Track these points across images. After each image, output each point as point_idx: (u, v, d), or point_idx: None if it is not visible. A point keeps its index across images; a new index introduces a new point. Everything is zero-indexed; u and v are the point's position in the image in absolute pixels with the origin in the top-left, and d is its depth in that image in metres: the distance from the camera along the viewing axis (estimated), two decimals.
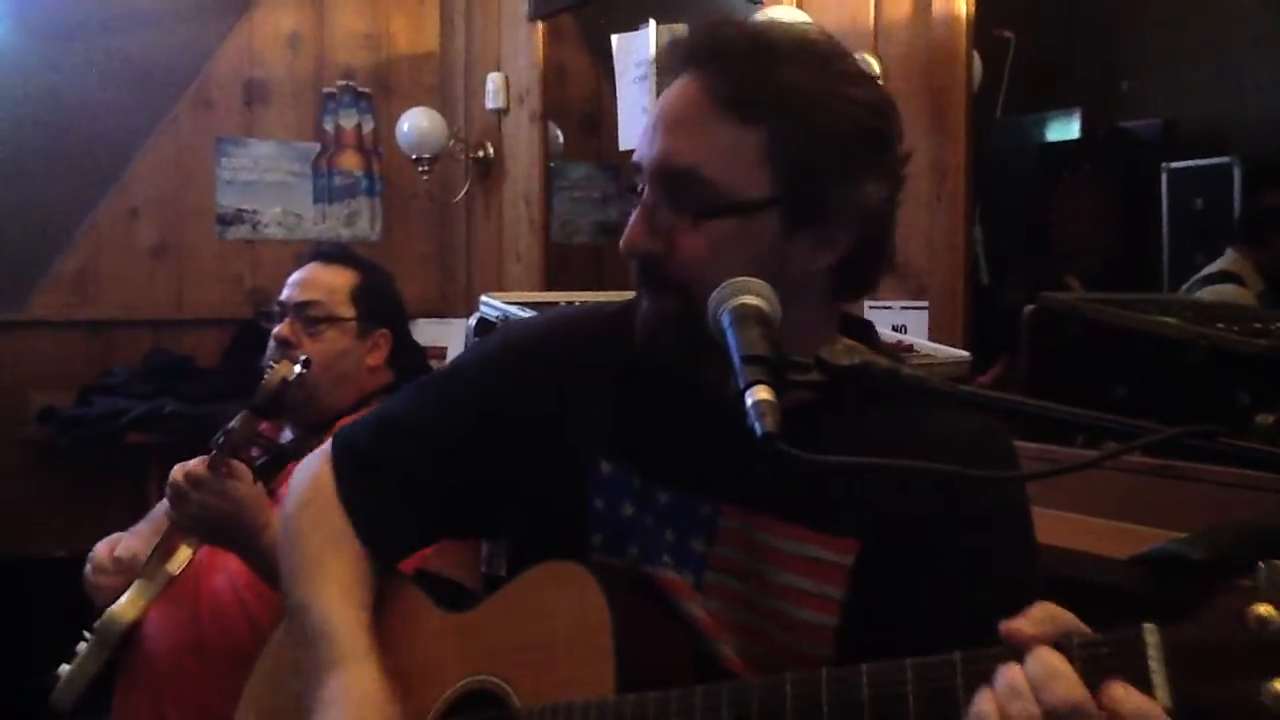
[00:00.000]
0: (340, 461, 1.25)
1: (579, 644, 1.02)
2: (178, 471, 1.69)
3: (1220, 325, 2.26)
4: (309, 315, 1.98)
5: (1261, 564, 0.74)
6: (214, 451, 1.67)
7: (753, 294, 0.93)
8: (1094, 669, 0.76)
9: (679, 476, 1.10)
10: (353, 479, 1.23)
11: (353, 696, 1.08)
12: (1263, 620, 0.72)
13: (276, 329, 1.99)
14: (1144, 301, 2.49)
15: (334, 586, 1.16)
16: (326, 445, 1.28)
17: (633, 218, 1.05)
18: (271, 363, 1.77)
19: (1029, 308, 2.35)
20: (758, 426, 0.84)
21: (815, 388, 0.89)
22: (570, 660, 1.03)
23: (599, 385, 1.15)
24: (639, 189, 1.06)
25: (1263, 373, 2.11)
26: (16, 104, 3.60)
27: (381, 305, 2.07)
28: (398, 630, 1.17)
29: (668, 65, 1.08)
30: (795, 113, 1.02)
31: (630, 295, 1.12)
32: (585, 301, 1.24)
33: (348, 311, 2.01)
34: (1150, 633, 0.75)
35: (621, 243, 1.06)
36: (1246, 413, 2.02)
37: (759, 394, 0.85)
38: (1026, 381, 2.37)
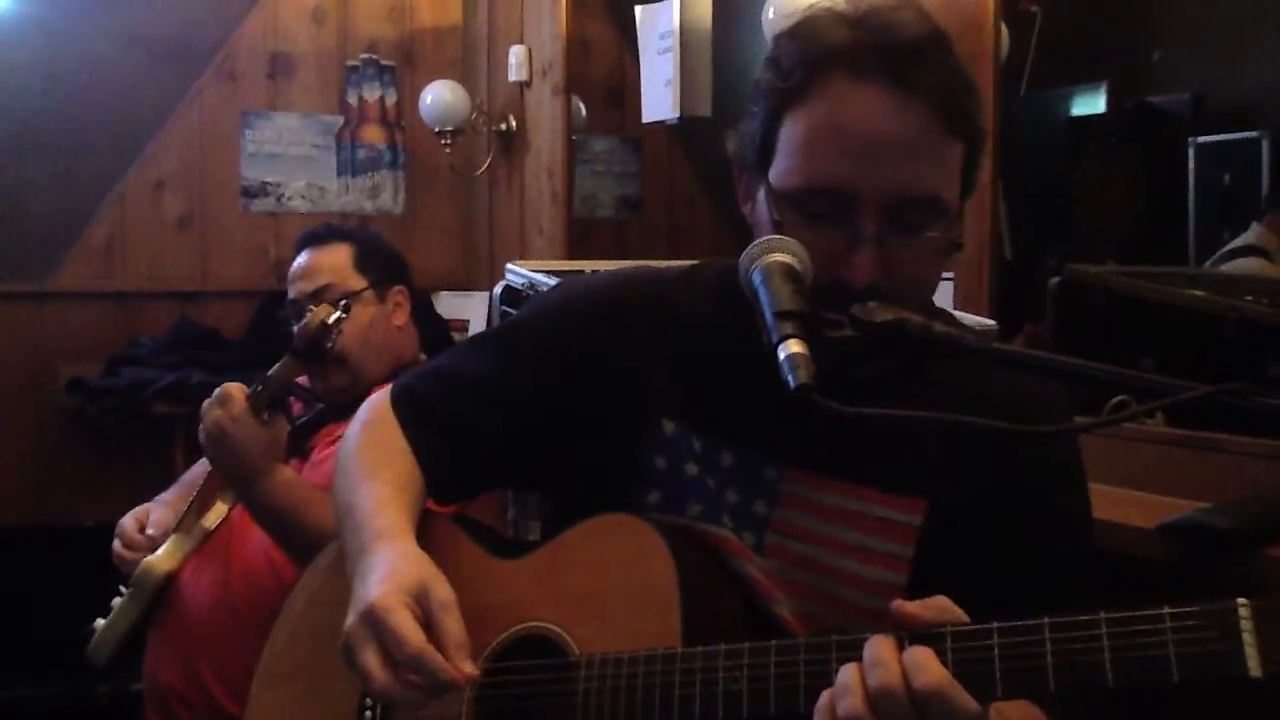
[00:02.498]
0: (400, 405, 1.24)
1: (642, 596, 1.03)
2: (225, 387, 1.71)
3: (1249, 297, 2.25)
4: (326, 301, 1.98)
5: None
6: (251, 396, 1.68)
7: (784, 252, 0.94)
8: (1187, 639, 0.79)
9: (743, 439, 1.11)
10: (413, 422, 1.22)
11: (393, 556, 1.06)
12: None
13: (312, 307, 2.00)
14: (1171, 274, 2.48)
15: (384, 486, 1.16)
16: (384, 396, 1.27)
17: (864, 255, 0.99)
18: (310, 307, 1.79)
19: (1055, 279, 2.34)
20: (791, 379, 0.85)
21: (855, 345, 0.89)
22: (633, 611, 1.03)
23: (663, 345, 1.15)
24: (834, 215, 1.01)
25: None
26: (45, 78, 3.63)
27: (387, 264, 2.09)
28: (446, 574, 1.15)
29: (828, 61, 1.02)
30: (983, 121, 1.06)
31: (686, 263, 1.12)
32: (641, 264, 1.24)
33: (359, 282, 2.03)
34: (1244, 605, 0.78)
35: (859, 281, 0.99)
36: (1276, 384, 2.01)
37: (791, 347, 0.86)
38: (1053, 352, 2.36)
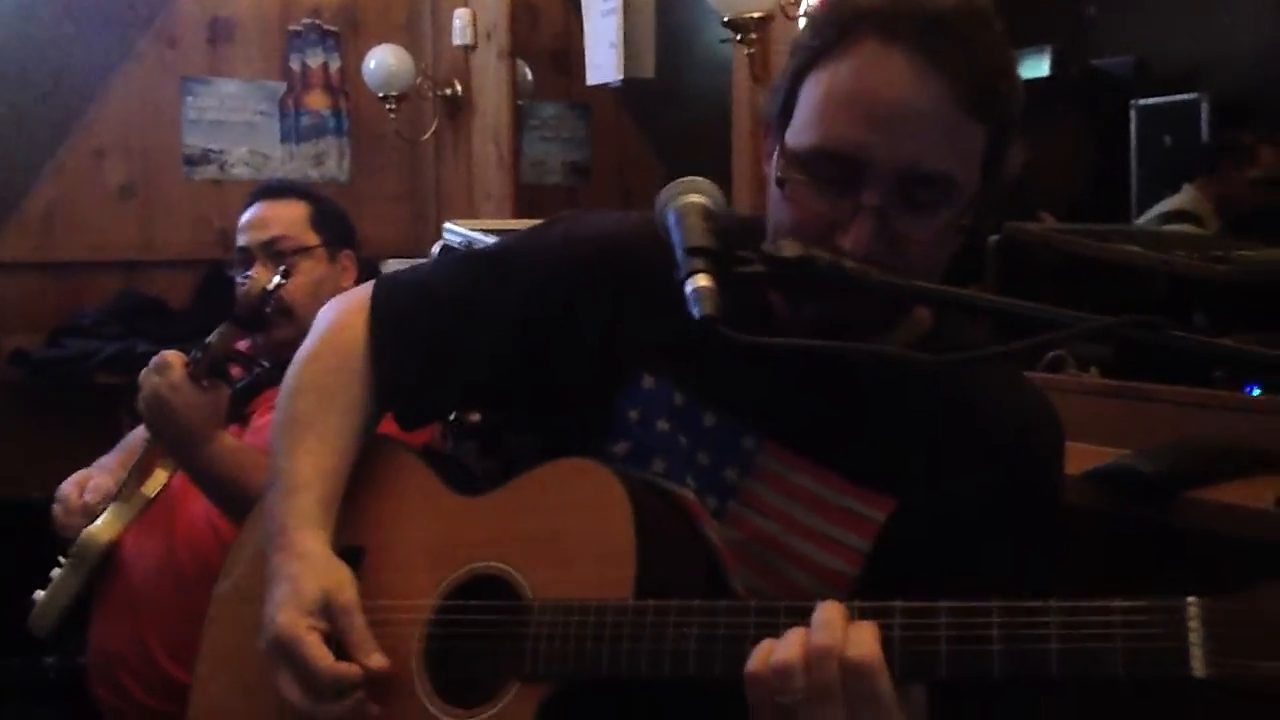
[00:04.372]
0: (378, 318, 1.21)
1: (599, 543, 1.02)
2: (163, 354, 1.70)
3: (1181, 252, 2.29)
4: (278, 250, 1.99)
5: None
6: (190, 363, 1.68)
7: (698, 192, 0.94)
8: (1134, 634, 0.78)
9: (728, 404, 1.10)
10: (388, 338, 1.20)
11: (295, 565, 1.09)
12: None
13: (249, 273, 1.99)
14: (1109, 232, 2.52)
15: (310, 454, 1.15)
16: (360, 294, 1.25)
17: (863, 225, 0.97)
18: (249, 274, 1.78)
19: (995, 238, 2.37)
20: (695, 310, 0.86)
21: (768, 280, 0.90)
22: (590, 559, 1.02)
23: (657, 297, 1.09)
24: (838, 179, 0.98)
25: (1222, 298, 2.15)
26: None
27: (340, 227, 2.09)
28: (405, 507, 1.17)
29: (861, 20, 0.98)
30: (1014, 109, 1.02)
31: None
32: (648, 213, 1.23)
33: (313, 239, 2.03)
34: (1193, 604, 0.77)
35: (852, 249, 0.96)
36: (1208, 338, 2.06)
37: (698, 281, 0.87)
38: None
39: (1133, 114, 2.68)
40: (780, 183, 1.01)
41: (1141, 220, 2.58)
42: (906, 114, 0.96)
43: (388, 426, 1.26)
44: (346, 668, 1.04)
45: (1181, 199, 2.57)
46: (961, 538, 1.06)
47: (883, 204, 0.97)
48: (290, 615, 1.05)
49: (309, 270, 1.99)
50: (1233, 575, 1.55)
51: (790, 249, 0.89)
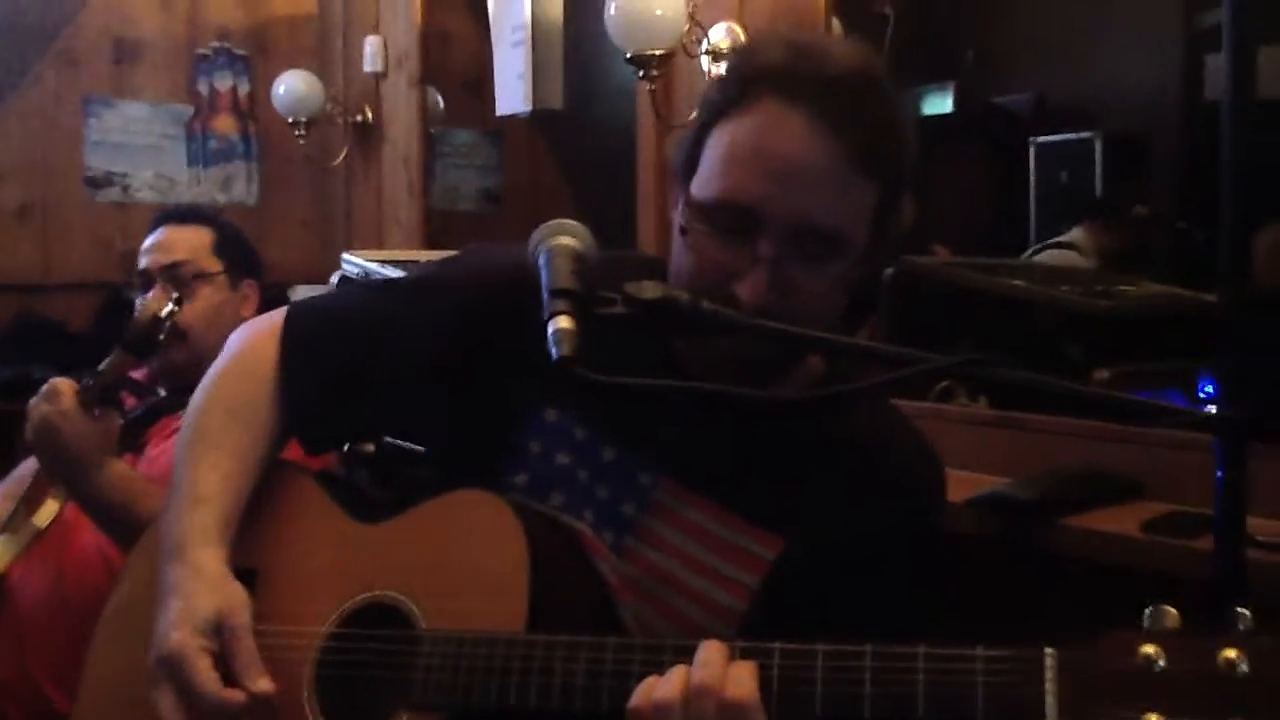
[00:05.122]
0: (290, 342, 1.21)
1: (494, 576, 1.03)
2: (53, 381, 1.68)
3: (1065, 287, 2.39)
4: (179, 275, 1.98)
5: (1149, 610, 0.81)
6: (81, 390, 1.66)
7: (567, 234, 0.97)
8: (995, 682, 0.82)
9: (627, 440, 1.12)
10: (298, 363, 1.20)
11: (190, 581, 1.08)
12: (1150, 658, 0.78)
13: (147, 296, 1.98)
14: (999, 266, 2.61)
15: (214, 468, 1.15)
16: (273, 318, 1.25)
17: (758, 275, 1.01)
18: (141, 298, 1.77)
19: (889, 270, 2.44)
20: (554, 351, 0.89)
21: (625, 321, 0.93)
22: (483, 591, 1.04)
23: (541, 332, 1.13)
24: (737, 230, 1.02)
25: (1103, 331, 2.24)
26: None
27: (243, 256, 2.09)
28: (301, 531, 1.17)
29: (761, 79, 1.03)
30: (905, 167, 1.06)
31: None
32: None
33: (215, 265, 2.03)
34: (1050, 655, 0.81)
35: (747, 299, 1.01)
36: (1086, 369, 2.15)
37: (560, 323, 0.90)
38: (886, 341, 2.46)
39: (1032, 151, 2.77)
40: (684, 230, 1.05)
41: (1027, 254, 2.67)
42: (801, 170, 1.01)
43: (291, 452, 1.26)
44: (230, 693, 1.04)
45: (1072, 234, 2.67)
46: (846, 576, 1.11)
47: (776, 255, 1.02)
48: (183, 633, 1.05)
49: (208, 296, 1.99)
50: (1103, 598, 1.63)
51: (650, 290, 0.93)
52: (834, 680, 0.87)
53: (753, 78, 1.04)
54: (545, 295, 0.92)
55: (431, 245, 3.66)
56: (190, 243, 2.03)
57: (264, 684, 1.05)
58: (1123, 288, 2.36)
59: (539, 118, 3.25)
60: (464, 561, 1.06)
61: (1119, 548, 1.52)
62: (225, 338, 1.93)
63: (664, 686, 0.89)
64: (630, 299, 0.91)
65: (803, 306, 1.03)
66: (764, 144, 1.02)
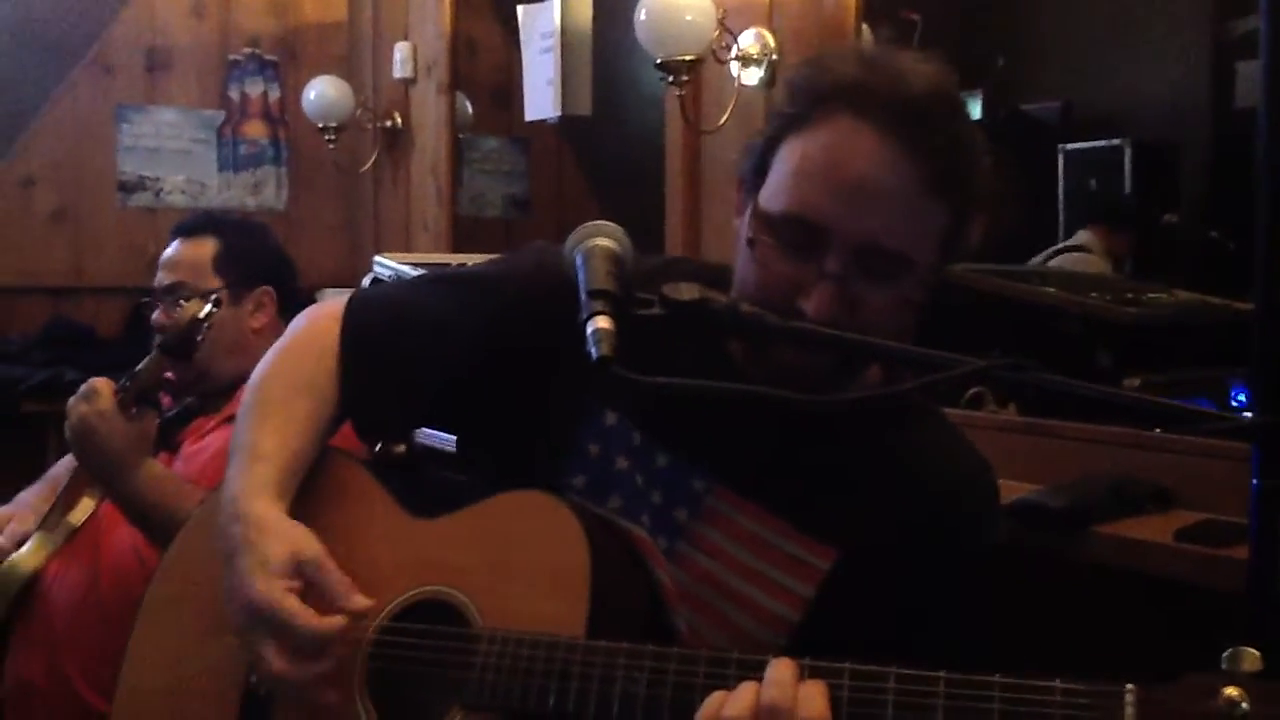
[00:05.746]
0: (351, 328, 1.22)
1: (554, 578, 1.03)
2: (91, 382, 1.69)
3: (1094, 294, 2.38)
4: (177, 298, 1.98)
5: (1229, 651, 0.80)
6: (119, 390, 1.68)
7: (605, 236, 0.97)
8: (1072, 716, 0.81)
9: (682, 446, 1.12)
10: (357, 347, 1.20)
11: (253, 534, 1.07)
12: (1233, 701, 0.78)
13: (153, 317, 2.00)
14: (1028, 273, 2.60)
15: (275, 433, 1.15)
16: (335, 304, 1.25)
17: (823, 291, 1.01)
18: (181, 301, 1.78)
19: None
20: (593, 351, 0.88)
21: (662, 323, 0.94)
22: (542, 592, 1.03)
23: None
24: (803, 245, 1.02)
25: (1132, 339, 2.23)
26: None
27: (251, 265, 2.06)
28: (354, 521, 1.16)
29: (835, 95, 1.02)
30: (976, 188, 1.06)
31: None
32: None
33: (213, 283, 2.00)
34: (1131, 692, 0.80)
35: (812, 314, 1.01)
36: (1115, 376, 2.14)
37: (599, 323, 0.90)
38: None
39: (1060, 158, 2.76)
40: (750, 242, 1.05)
41: (1039, 259, 2.67)
42: (872, 190, 1.01)
43: (344, 441, 1.26)
44: (330, 621, 1.04)
45: (1079, 237, 2.67)
46: (898, 589, 1.10)
47: (843, 272, 1.01)
48: (265, 581, 1.04)
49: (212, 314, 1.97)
50: (1134, 607, 1.62)
51: (687, 292, 0.93)
52: (905, 704, 0.86)
53: (827, 93, 1.04)
54: (583, 296, 0.92)
55: (458, 252, 3.68)
56: (190, 261, 2.02)
57: (360, 600, 1.05)
58: (1153, 295, 2.35)
59: (566, 124, 3.27)
60: (523, 562, 1.05)
61: (1151, 556, 1.51)
62: (231, 355, 1.97)
63: (733, 704, 0.88)
64: (667, 300, 0.92)
65: (868, 323, 1.02)
66: (835, 161, 1.02)
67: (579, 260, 0.95)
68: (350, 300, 1.26)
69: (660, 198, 2.75)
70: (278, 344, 1.25)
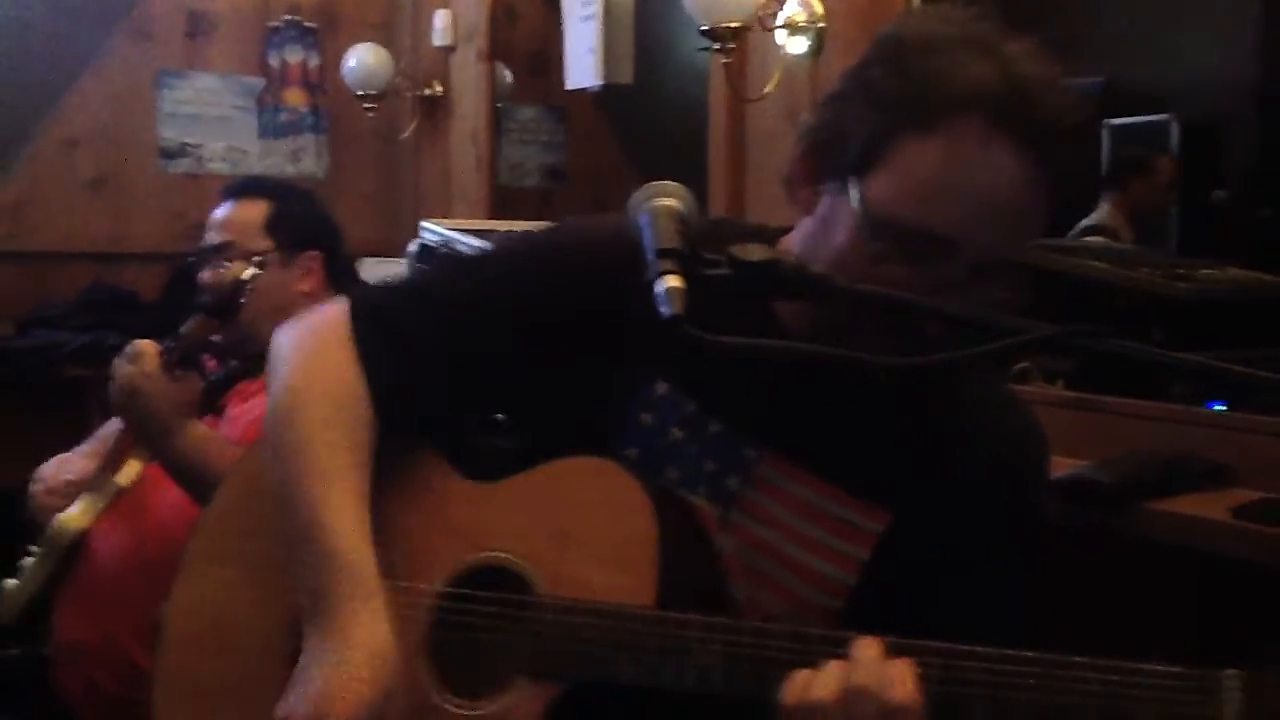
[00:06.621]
0: (363, 324, 1.14)
1: (619, 547, 1.02)
2: (136, 343, 1.69)
3: (1145, 270, 2.34)
4: (227, 256, 1.97)
5: None
6: (165, 353, 1.68)
7: (670, 195, 0.95)
8: (1168, 700, 0.80)
9: (733, 412, 1.10)
10: (377, 344, 1.13)
11: (360, 651, 1.01)
12: None
13: (200, 276, 2.00)
14: (1072, 247, 2.57)
15: (337, 482, 1.08)
16: (335, 305, 1.18)
17: (947, 300, 0.99)
18: (226, 262, 1.78)
19: None
20: (663, 310, 0.86)
21: (730, 285, 0.92)
22: (607, 560, 1.02)
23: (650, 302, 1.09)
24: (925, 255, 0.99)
25: (1183, 315, 2.20)
26: None
27: (302, 229, 2.05)
28: (410, 484, 1.13)
29: (972, 102, 0.97)
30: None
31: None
32: None
33: (264, 244, 1.99)
34: (1231, 677, 0.80)
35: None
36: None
37: (668, 282, 0.87)
38: None
39: (1104, 133, 2.72)
40: (856, 244, 1.02)
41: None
42: (1003, 209, 0.98)
43: None
44: None
45: (1098, 215, 2.63)
46: (952, 551, 1.10)
47: (963, 283, 1.00)
48: (350, 706, 0.99)
49: (261, 274, 1.96)
50: (1188, 585, 1.59)
51: (756, 252, 0.91)
52: (993, 684, 0.86)
53: (961, 97, 0.98)
54: (649, 255, 0.90)
55: (497, 219, 3.67)
56: (241, 221, 2.01)
57: None
58: (1206, 272, 2.31)
59: (603, 94, 3.25)
60: (587, 530, 1.04)
61: (1207, 533, 1.49)
62: (276, 313, 1.95)
63: (820, 686, 0.88)
64: (735, 260, 0.90)
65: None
66: (971, 175, 0.98)
67: (644, 220, 0.93)
68: (356, 302, 1.18)
69: (700, 167, 2.73)
70: (289, 385, 1.14)
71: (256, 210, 2.03)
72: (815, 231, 1.07)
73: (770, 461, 1.10)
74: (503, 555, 1.07)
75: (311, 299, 2.01)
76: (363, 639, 1.01)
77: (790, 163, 1.10)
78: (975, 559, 1.11)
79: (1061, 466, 1.67)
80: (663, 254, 0.89)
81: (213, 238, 2.02)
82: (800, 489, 1.10)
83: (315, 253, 2.05)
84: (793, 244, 1.12)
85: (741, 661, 0.94)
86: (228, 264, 1.79)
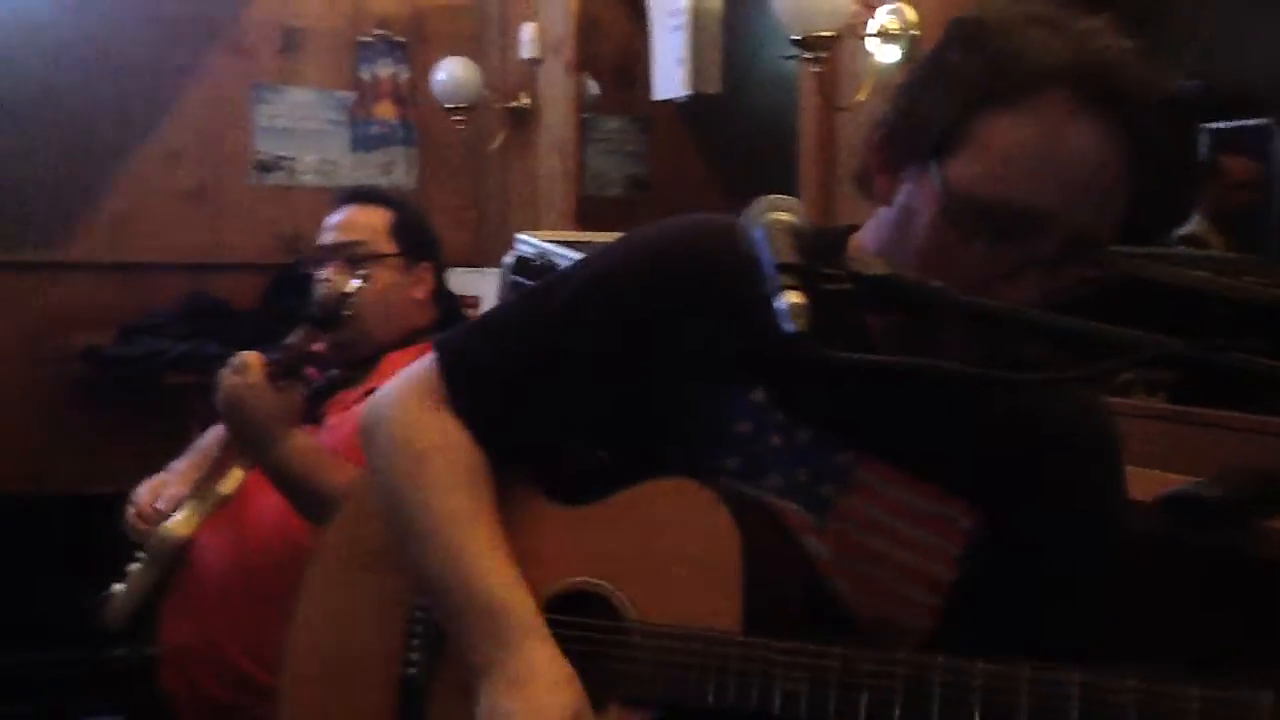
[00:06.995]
0: (452, 374, 1.16)
1: (705, 571, 1.02)
2: (242, 355, 1.74)
3: (1249, 278, 2.27)
4: (354, 255, 2.02)
5: None
6: (271, 365, 1.72)
7: (784, 209, 0.95)
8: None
9: (821, 419, 1.10)
10: (468, 391, 1.15)
11: (542, 681, 1.02)
12: None
13: (323, 273, 2.04)
14: (1170, 255, 2.51)
15: (478, 529, 1.09)
16: (423, 361, 1.19)
17: (1029, 279, 0.98)
18: (324, 275, 1.82)
19: None
20: (788, 326, 0.86)
21: (852, 299, 0.92)
22: (693, 585, 1.02)
23: (752, 309, 1.05)
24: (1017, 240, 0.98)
25: None
26: (60, 51, 3.65)
27: (421, 240, 2.11)
28: (504, 518, 1.12)
29: (1052, 75, 0.96)
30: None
31: None
32: (704, 216, 1.17)
33: (390, 247, 2.05)
34: (1270, 698, 0.79)
35: (1015, 301, 0.98)
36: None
37: (790, 297, 0.87)
38: None
39: (1204, 137, 2.65)
40: (937, 225, 1.01)
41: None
42: (1093, 183, 0.97)
43: None
44: None
45: (1191, 225, 2.57)
46: (1040, 546, 1.11)
47: (1052, 261, 0.99)
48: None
49: (381, 277, 2.02)
50: None
51: (877, 267, 0.90)
52: (1039, 704, 0.86)
53: (1044, 71, 0.97)
54: (768, 270, 0.89)
55: (583, 230, 3.69)
56: (369, 224, 2.06)
57: None
58: None
59: (688, 105, 3.25)
60: (674, 554, 1.04)
61: None
62: (394, 319, 2.02)
63: None
64: (856, 275, 0.89)
65: (1036, 301, 1.00)
66: (1057, 150, 0.97)
67: (759, 234, 0.93)
68: (440, 354, 1.18)
69: (785, 177, 2.71)
70: (393, 436, 1.16)
71: (380, 216, 2.08)
72: (896, 220, 1.06)
73: (863, 465, 1.10)
74: (591, 581, 1.08)
75: (423, 307, 2.07)
76: (548, 673, 1.02)
77: (863, 155, 1.09)
78: (1062, 554, 1.12)
79: (1165, 482, 1.63)
80: (782, 269, 0.88)
81: (338, 237, 2.05)
82: (895, 489, 1.10)
83: (429, 265, 2.11)
84: (866, 239, 1.11)
85: (828, 686, 0.94)
86: (353, 267, 1.84)
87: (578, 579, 1.08)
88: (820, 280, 0.89)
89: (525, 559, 1.10)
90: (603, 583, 1.07)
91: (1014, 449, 1.11)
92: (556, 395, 1.14)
